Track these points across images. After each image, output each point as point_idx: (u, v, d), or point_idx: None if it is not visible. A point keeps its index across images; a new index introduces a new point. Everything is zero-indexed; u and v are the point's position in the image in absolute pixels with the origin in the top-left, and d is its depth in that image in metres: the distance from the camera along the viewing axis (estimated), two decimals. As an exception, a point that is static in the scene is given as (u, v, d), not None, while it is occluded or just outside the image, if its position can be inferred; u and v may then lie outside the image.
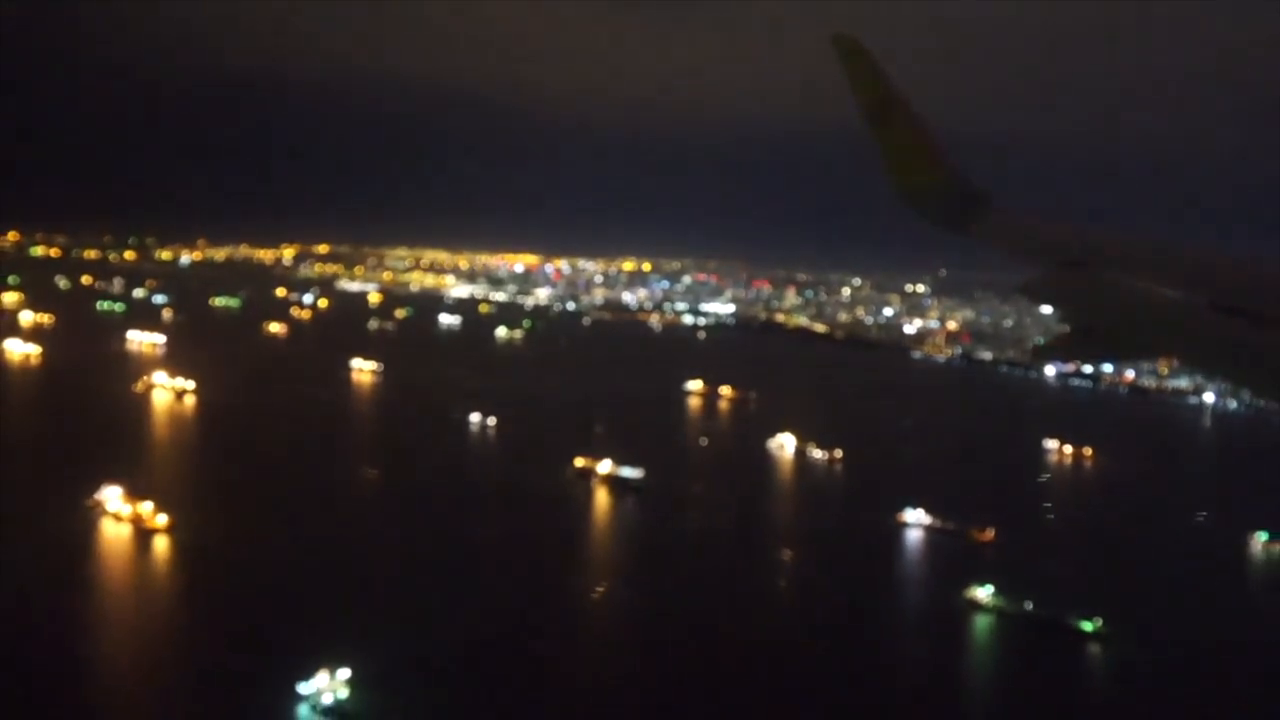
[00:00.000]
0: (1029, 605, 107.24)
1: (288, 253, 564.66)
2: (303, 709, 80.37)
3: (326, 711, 79.93)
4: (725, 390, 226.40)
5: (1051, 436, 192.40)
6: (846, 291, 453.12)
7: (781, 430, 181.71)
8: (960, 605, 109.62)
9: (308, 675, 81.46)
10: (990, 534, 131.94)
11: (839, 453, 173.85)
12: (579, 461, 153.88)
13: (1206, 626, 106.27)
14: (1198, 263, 12.59)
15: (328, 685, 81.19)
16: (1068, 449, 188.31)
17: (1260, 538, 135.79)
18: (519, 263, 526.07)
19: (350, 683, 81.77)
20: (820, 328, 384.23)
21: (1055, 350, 25.25)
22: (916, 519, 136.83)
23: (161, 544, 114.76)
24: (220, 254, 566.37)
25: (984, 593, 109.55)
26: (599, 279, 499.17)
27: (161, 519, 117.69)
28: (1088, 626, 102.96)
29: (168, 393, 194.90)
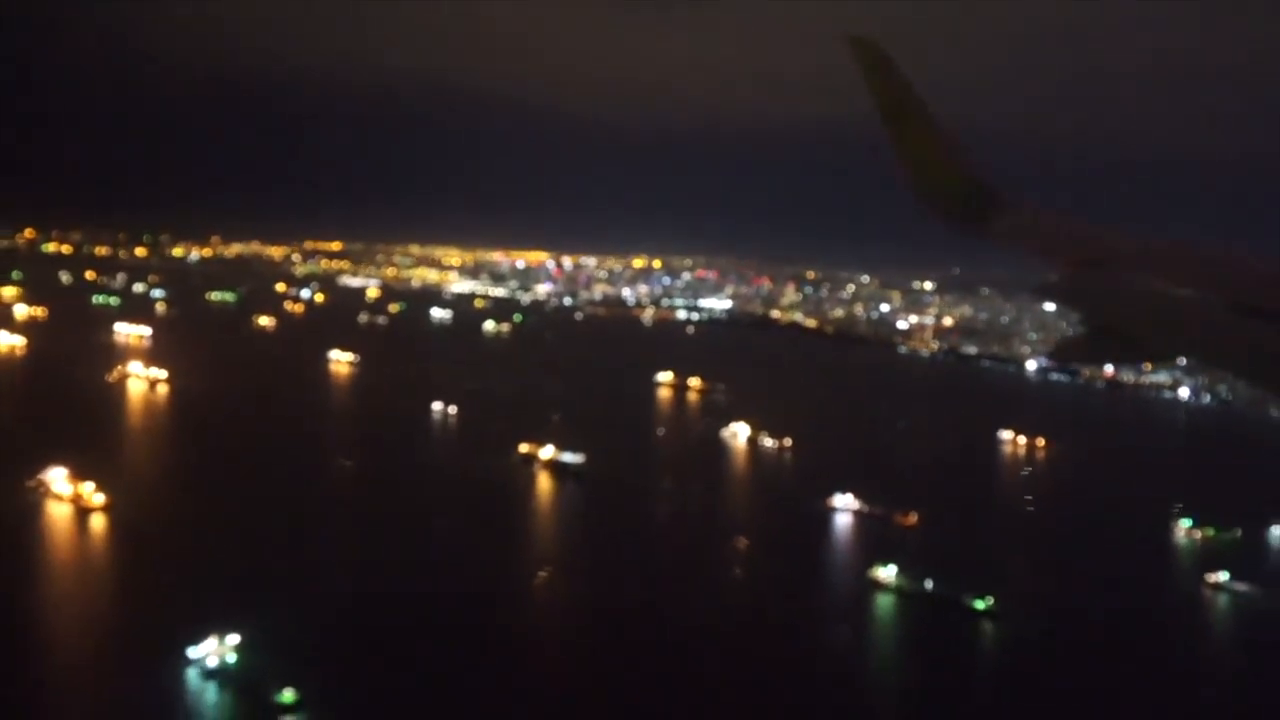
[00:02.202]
0: (929, 584, 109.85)
1: (299, 250, 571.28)
2: (191, 671, 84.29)
3: (210, 673, 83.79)
4: (694, 382, 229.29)
5: (1008, 427, 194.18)
6: (851, 288, 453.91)
7: (737, 420, 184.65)
8: (864, 585, 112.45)
9: (200, 640, 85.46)
10: (913, 518, 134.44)
11: (788, 441, 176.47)
12: (524, 447, 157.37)
13: (1101, 606, 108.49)
14: (1219, 263, 12.46)
15: (215, 649, 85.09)
16: (1022, 439, 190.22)
17: (1184, 524, 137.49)
18: (521, 259, 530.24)
19: (238, 648, 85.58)
20: (812, 323, 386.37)
21: (1073, 352, 22.62)
22: (845, 504, 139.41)
23: (96, 521, 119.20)
24: (231, 251, 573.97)
25: (886, 573, 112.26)
26: (602, 275, 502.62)
27: (99, 498, 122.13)
28: (980, 604, 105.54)
29: (141, 382, 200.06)
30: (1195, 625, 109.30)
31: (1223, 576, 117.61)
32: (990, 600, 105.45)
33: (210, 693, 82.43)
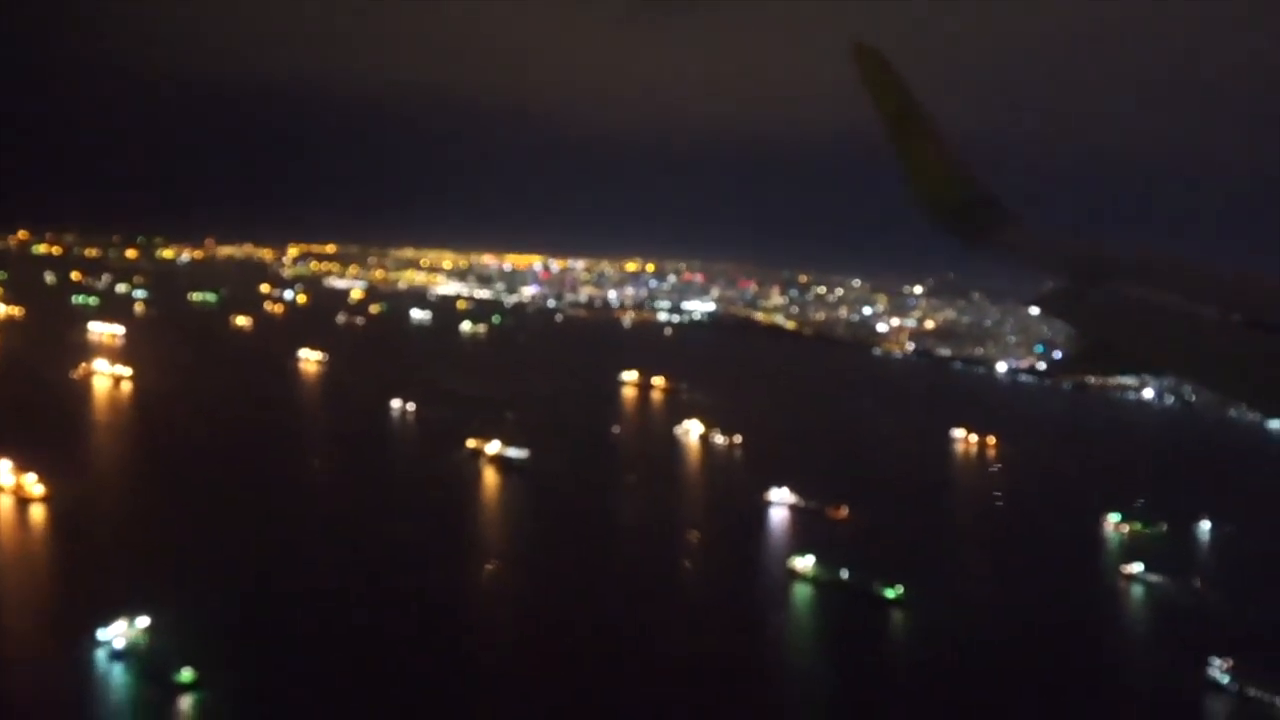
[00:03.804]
0: (844, 574, 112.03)
1: (292, 252, 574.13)
2: (99, 652, 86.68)
3: (116, 654, 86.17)
4: (658, 381, 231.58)
5: (962, 426, 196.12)
6: (840, 292, 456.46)
7: (690, 417, 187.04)
8: (782, 575, 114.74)
9: (109, 623, 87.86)
10: (844, 512, 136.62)
11: (739, 438, 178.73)
12: (470, 443, 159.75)
13: (1011, 595, 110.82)
14: (1233, 280, 12.23)
15: (124, 632, 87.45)
16: (973, 438, 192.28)
17: (1113, 518, 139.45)
18: (509, 261, 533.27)
19: (148, 630, 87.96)
20: (791, 325, 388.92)
21: (1073, 366, 23.52)
22: (780, 498, 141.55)
23: (34, 511, 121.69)
24: (222, 253, 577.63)
25: (803, 563, 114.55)
26: (588, 277, 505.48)
27: (39, 489, 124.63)
28: (890, 593, 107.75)
29: (105, 379, 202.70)
30: (1100, 614, 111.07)
31: (1137, 568, 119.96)
32: (899, 589, 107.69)
33: (114, 673, 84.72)
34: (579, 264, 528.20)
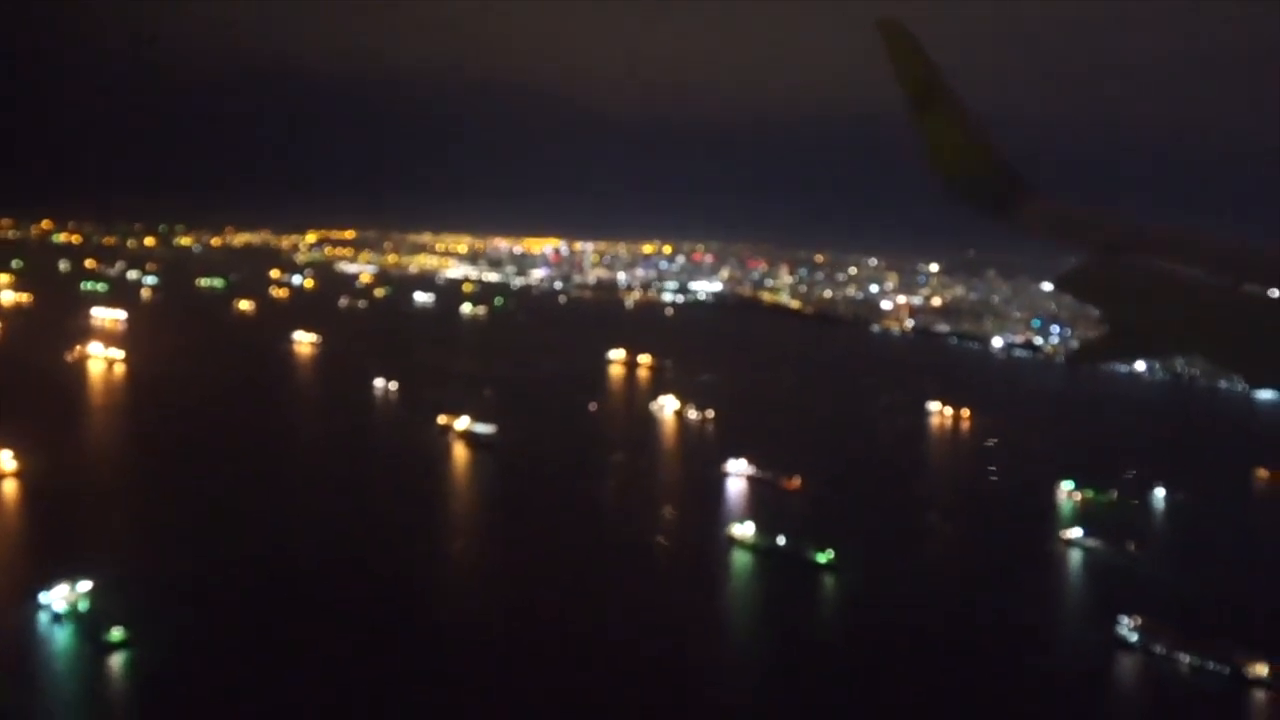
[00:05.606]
0: (780, 540, 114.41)
1: (310, 238, 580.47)
2: (40, 614, 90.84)
3: (56, 616, 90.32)
4: (644, 360, 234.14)
5: (939, 399, 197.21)
6: (853, 271, 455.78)
7: (666, 394, 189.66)
8: (722, 541, 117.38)
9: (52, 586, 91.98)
10: (796, 482, 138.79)
11: (711, 413, 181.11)
12: (442, 419, 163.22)
13: (945, 559, 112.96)
14: (1265, 253, 11.84)
15: (65, 595, 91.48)
16: (948, 411, 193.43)
17: (1066, 486, 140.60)
18: (519, 244, 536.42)
19: (89, 593, 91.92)
20: (795, 304, 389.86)
21: (1094, 352, 21.95)
22: (738, 469, 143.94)
23: (5, 485, 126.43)
24: (239, 240, 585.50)
25: (743, 530, 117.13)
26: (597, 259, 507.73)
27: (11, 464, 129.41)
28: (821, 558, 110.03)
29: (99, 362, 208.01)
30: (1027, 576, 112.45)
31: (1076, 533, 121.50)
32: (830, 554, 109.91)
33: (52, 633, 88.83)
34: (592, 246, 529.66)
